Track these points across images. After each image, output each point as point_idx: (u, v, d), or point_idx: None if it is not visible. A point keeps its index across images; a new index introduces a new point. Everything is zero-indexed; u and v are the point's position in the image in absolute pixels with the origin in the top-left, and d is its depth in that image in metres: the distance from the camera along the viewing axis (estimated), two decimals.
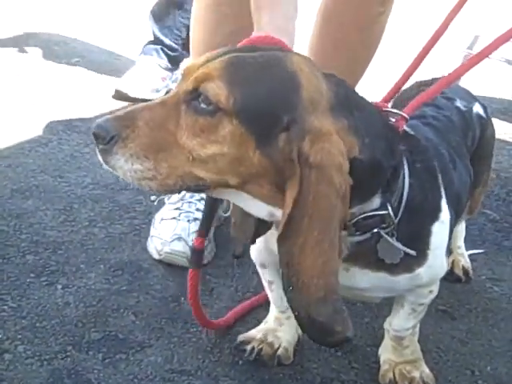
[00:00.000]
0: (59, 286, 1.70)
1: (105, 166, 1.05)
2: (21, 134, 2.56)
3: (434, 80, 1.86)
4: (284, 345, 1.54)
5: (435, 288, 1.39)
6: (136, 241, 1.94)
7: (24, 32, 4.00)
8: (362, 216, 1.13)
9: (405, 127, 1.26)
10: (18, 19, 4.22)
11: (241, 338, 1.56)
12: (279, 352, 1.52)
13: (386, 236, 1.16)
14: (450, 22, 1.38)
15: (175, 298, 1.71)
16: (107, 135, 1.00)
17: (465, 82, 4.47)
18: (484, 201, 2.04)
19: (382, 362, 1.52)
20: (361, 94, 1.17)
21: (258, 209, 1.09)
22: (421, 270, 1.24)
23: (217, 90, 0.99)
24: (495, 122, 1.83)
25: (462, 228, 2.00)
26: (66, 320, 1.57)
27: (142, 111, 1.03)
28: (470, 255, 2.02)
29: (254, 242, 1.26)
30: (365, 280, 1.25)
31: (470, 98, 1.72)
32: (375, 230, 1.15)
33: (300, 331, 1.57)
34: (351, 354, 1.58)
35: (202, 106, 1.00)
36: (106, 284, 1.73)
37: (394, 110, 1.23)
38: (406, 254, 1.20)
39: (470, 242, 2.09)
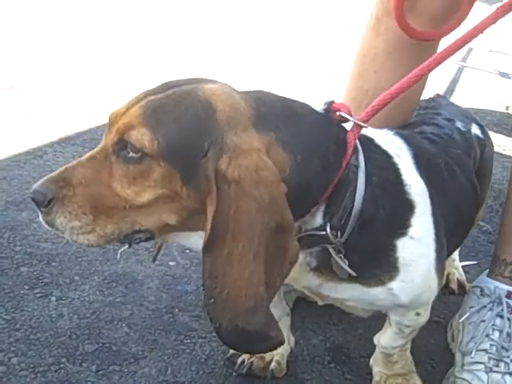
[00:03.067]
0: (53, 298, 1.70)
1: (47, 227, 1.07)
2: (16, 147, 2.57)
3: (436, 97, 1.89)
4: (276, 358, 1.53)
5: (423, 312, 1.35)
6: (130, 253, 1.94)
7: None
8: (307, 233, 1.14)
9: (372, 136, 1.25)
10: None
11: (232, 350, 1.56)
12: (272, 366, 1.52)
13: (332, 252, 1.15)
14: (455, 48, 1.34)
15: (169, 309, 1.72)
16: (45, 199, 1.03)
17: (459, 95, 4.51)
18: None
19: (373, 373, 1.52)
20: (303, 101, 1.17)
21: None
22: (394, 285, 1.21)
23: (140, 137, 1.01)
24: (489, 134, 1.84)
25: None
26: (59, 332, 1.57)
27: (75, 170, 1.05)
28: (463, 267, 2.03)
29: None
30: (342, 291, 1.24)
31: (468, 120, 1.72)
32: (322, 245, 1.16)
33: (292, 343, 1.57)
34: (344, 365, 1.59)
35: (131, 154, 1.02)
36: (100, 296, 1.74)
37: (349, 117, 1.17)
38: (374, 265, 1.19)
39: (463, 254, 2.10)
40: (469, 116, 1.77)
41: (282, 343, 1.07)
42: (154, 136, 1.00)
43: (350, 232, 1.15)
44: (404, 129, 1.51)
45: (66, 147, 2.67)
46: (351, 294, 1.25)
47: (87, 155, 1.07)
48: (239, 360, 1.53)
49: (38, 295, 1.70)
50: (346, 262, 1.16)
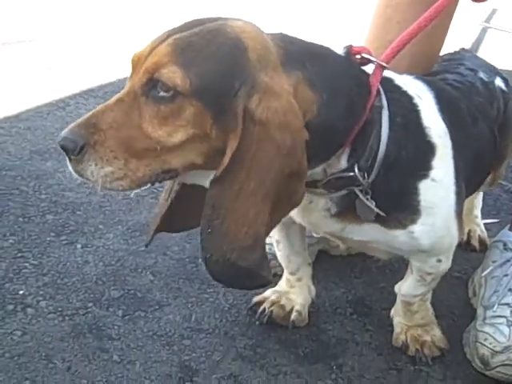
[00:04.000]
0: (79, 246, 1.72)
1: (76, 176, 1.04)
2: (39, 98, 2.59)
3: (461, 50, 1.87)
4: (297, 308, 1.55)
5: (445, 259, 1.35)
6: (153, 203, 1.96)
7: None
8: (334, 176, 1.14)
9: (392, 77, 1.25)
10: None
11: (255, 299, 1.58)
12: (293, 317, 1.54)
13: (360, 194, 1.16)
14: None
15: (192, 259, 1.74)
16: (76, 146, 0.99)
17: (482, 55, 4.45)
18: None
19: (394, 324, 1.54)
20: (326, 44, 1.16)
21: None
22: (415, 228, 1.22)
23: (172, 75, 0.99)
24: None
25: (479, 198, 2.00)
26: (86, 278, 1.60)
27: (104, 114, 1.01)
28: (485, 224, 2.03)
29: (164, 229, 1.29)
30: (362, 232, 1.25)
31: (492, 72, 1.70)
32: (349, 188, 1.16)
33: (313, 294, 1.59)
34: (366, 317, 1.60)
35: (161, 94, 1.00)
36: (124, 244, 1.76)
37: (371, 58, 1.18)
38: (396, 208, 1.20)
39: (484, 212, 2.10)
40: (493, 69, 1.75)
41: (269, 283, 1.09)
42: (186, 74, 0.98)
43: (377, 173, 1.15)
44: (426, 76, 1.50)
45: (88, 99, 2.68)
46: (373, 236, 1.26)
47: (114, 98, 1.04)
48: (260, 309, 1.55)
49: (64, 242, 1.72)
50: (373, 202, 1.17)
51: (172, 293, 1.60)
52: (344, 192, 1.18)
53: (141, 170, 1.02)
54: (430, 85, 1.34)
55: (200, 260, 1.73)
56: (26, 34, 3.40)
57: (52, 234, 1.74)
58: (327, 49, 1.15)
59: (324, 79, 1.08)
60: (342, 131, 1.11)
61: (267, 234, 1.06)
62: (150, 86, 1.01)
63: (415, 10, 1.59)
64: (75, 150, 0.99)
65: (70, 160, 1.02)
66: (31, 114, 2.44)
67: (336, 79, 1.11)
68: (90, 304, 1.51)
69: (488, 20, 5.94)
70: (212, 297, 1.61)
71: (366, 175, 1.15)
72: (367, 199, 1.17)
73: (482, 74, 1.64)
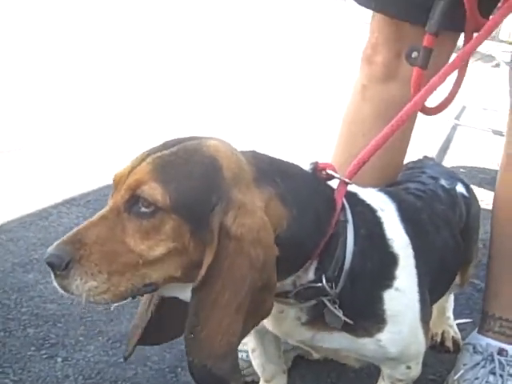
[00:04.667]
0: (59, 359, 1.74)
1: (61, 291, 1.07)
2: (22, 208, 2.64)
3: (423, 158, 1.97)
4: None
5: (414, 365, 1.39)
6: (133, 313, 1.98)
7: None
8: (303, 287, 1.20)
9: (355, 191, 1.32)
10: None
11: None
12: None
13: (328, 303, 1.21)
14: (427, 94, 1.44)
15: (172, 368, 1.76)
16: (63, 261, 1.03)
17: (453, 153, 4.62)
18: None
19: None
20: (293, 161, 1.24)
21: None
22: (382, 337, 1.27)
23: (153, 191, 1.05)
24: (482, 191, 1.91)
25: (451, 300, 2.06)
26: None
27: (88, 230, 1.06)
28: (458, 324, 2.07)
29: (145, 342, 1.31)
30: (332, 340, 1.29)
31: (453, 179, 1.79)
32: (318, 298, 1.21)
33: None
34: None
35: (143, 209, 1.06)
36: (104, 356, 1.78)
37: (334, 174, 1.26)
38: (363, 317, 1.24)
39: (457, 311, 2.15)
40: (454, 176, 1.84)
41: None
42: (166, 190, 1.05)
43: (343, 284, 1.21)
44: (388, 187, 1.59)
45: (70, 208, 2.74)
46: (342, 344, 1.30)
47: (97, 216, 1.09)
48: None
49: (45, 356, 1.75)
50: (341, 311, 1.22)
51: None
52: (313, 302, 1.23)
53: (123, 284, 1.06)
54: (392, 196, 1.41)
55: (179, 370, 1.76)
56: (8, 144, 3.50)
57: (33, 348, 1.77)
58: (295, 166, 1.24)
59: (294, 195, 1.15)
60: (309, 245, 1.17)
61: (239, 343, 1.10)
62: (132, 202, 1.07)
63: (380, 124, 1.70)
64: (61, 266, 1.03)
65: (56, 275, 1.05)
66: (14, 224, 2.49)
67: (304, 195, 1.18)
68: None
69: (458, 117, 6.17)
70: None
71: (333, 285, 1.20)
72: (335, 308, 1.22)
73: (443, 181, 1.72)
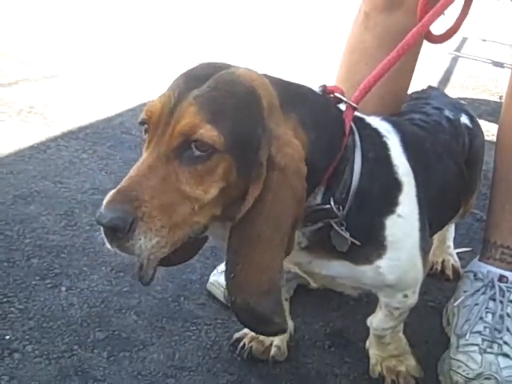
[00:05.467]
0: (63, 288, 1.76)
1: (121, 253, 1.02)
2: (20, 141, 2.63)
3: (428, 88, 1.95)
4: (275, 343, 1.59)
5: (411, 294, 1.41)
6: None
7: None
8: (311, 209, 1.19)
9: (363, 116, 1.31)
10: None
11: (236, 335, 1.64)
12: (272, 352, 1.58)
13: (335, 225, 1.21)
14: (429, 22, 1.41)
15: (175, 298, 1.78)
16: (126, 224, 0.97)
17: (453, 85, 4.58)
18: None
19: (370, 356, 1.59)
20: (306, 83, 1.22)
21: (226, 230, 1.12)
22: (381, 263, 1.27)
23: (210, 134, 1.00)
24: (483, 123, 1.90)
25: (451, 229, 2.07)
26: (71, 320, 1.64)
27: (141, 184, 1.00)
28: (458, 253, 2.10)
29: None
30: (329, 267, 1.29)
31: (457, 110, 1.78)
32: (325, 220, 1.21)
33: (291, 328, 1.64)
34: (344, 349, 1.66)
35: (197, 153, 1.01)
36: (108, 286, 1.80)
37: (342, 97, 1.25)
38: (363, 243, 1.24)
39: (457, 241, 2.17)
40: (458, 106, 1.83)
41: (283, 331, 1.13)
42: (219, 130, 1.01)
43: (350, 206, 1.21)
44: (392, 116, 1.58)
45: (68, 141, 2.73)
46: (339, 271, 1.31)
47: (143, 166, 1.02)
48: (240, 344, 1.60)
49: (49, 285, 1.76)
50: (347, 233, 1.22)
51: (156, 332, 1.64)
52: (319, 225, 1.22)
53: (179, 234, 1.03)
54: (396, 126, 1.40)
55: (182, 299, 1.78)
56: (5, 77, 3.45)
57: (37, 278, 1.78)
58: (308, 88, 1.22)
59: (311, 119, 1.14)
60: (322, 169, 1.16)
61: (281, 278, 1.09)
62: (184, 147, 1.02)
63: (382, 53, 1.68)
64: (125, 228, 0.97)
65: (114, 238, 0.99)
66: (13, 158, 2.48)
67: (320, 119, 1.17)
68: (76, 346, 1.55)
69: (458, 49, 6.09)
70: (195, 334, 1.65)
71: (340, 208, 1.20)
72: (341, 230, 1.22)
73: (447, 112, 1.71)
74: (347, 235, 1.22)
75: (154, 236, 0.99)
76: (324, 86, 1.26)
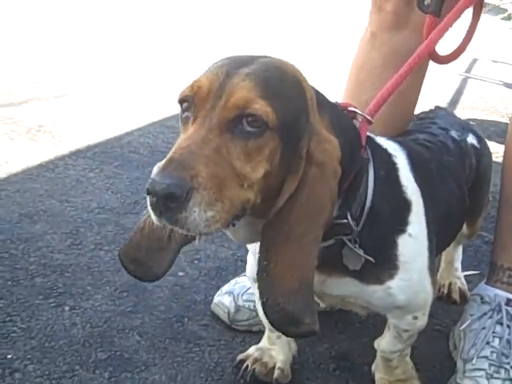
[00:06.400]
0: (67, 308, 1.75)
1: (169, 226, 0.97)
2: (28, 160, 2.64)
3: (435, 108, 1.94)
4: (279, 365, 1.57)
5: (421, 316, 1.39)
6: None
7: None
8: None
9: (372, 135, 1.31)
10: None
11: (239, 356, 1.62)
12: (275, 374, 1.56)
13: (348, 242, 1.19)
14: (436, 39, 1.41)
15: (179, 318, 1.77)
16: (183, 191, 0.92)
17: (463, 106, 4.57)
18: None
19: (376, 380, 1.57)
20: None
21: (255, 228, 1.10)
22: (392, 284, 1.26)
23: (265, 109, 0.98)
24: (492, 144, 1.88)
25: (459, 251, 2.05)
26: (73, 340, 1.63)
27: (195, 154, 0.96)
28: (465, 276, 2.07)
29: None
30: (340, 287, 1.28)
31: (464, 130, 1.77)
32: (338, 237, 1.19)
33: (294, 351, 1.62)
34: (349, 373, 1.63)
35: (249, 128, 0.99)
36: (111, 305, 1.79)
37: (359, 111, 1.25)
38: (374, 263, 1.22)
39: (465, 264, 2.14)
40: (465, 126, 1.82)
41: (313, 333, 1.07)
42: (273, 108, 0.99)
43: (363, 223, 1.19)
44: (398, 137, 1.57)
45: (76, 160, 2.73)
46: (350, 291, 1.29)
47: (195, 135, 0.98)
48: (243, 366, 1.58)
49: (52, 305, 1.75)
50: (361, 251, 1.20)
51: (158, 353, 1.63)
52: (331, 242, 1.20)
53: (231, 211, 0.99)
54: (402, 145, 1.40)
55: (186, 319, 1.76)
56: (15, 96, 3.48)
57: (40, 297, 1.77)
58: (330, 99, 1.21)
59: (339, 125, 1.13)
60: (345, 177, 1.13)
61: (313, 277, 1.06)
62: (237, 121, 0.99)
63: (389, 72, 1.67)
64: (182, 197, 0.92)
65: (167, 209, 0.94)
66: (21, 176, 2.49)
67: (344, 127, 1.16)
68: (77, 367, 1.54)
69: (469, 70, 6.09)
70: (198, 356, 1.64)
71: (355, 224, 1.18)
72: (355, 247, 1.20)
73: (453, 133, 1.70)
74: (361, 253, 1.21)
75: (210, 209, 0.95)
76: (337, 103, 1.26)
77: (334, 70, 4.91)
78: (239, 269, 1.99)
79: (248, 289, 1.77)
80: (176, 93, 1.09)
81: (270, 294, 1.04)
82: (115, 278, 1.92)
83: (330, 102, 1.17)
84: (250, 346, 1.65)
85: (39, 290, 1.80)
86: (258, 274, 1.06)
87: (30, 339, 1.61)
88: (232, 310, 1.74)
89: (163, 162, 0.96)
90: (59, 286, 1.84)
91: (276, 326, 1.09)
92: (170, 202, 0.92)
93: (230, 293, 1.79)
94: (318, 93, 1.13)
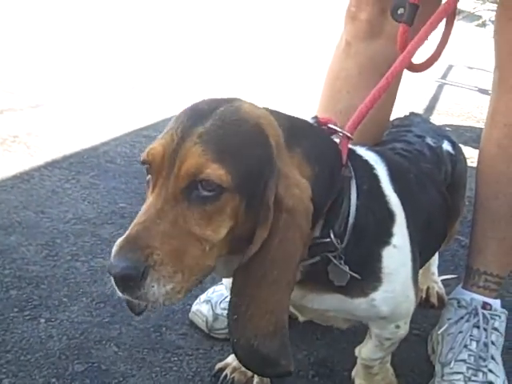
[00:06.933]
0: (42, 320, 1.73)
1: (134, 301, 1.02)
2: (2, 171, 2.61)
3: (410, 115, 1.95)
4: None
5: (403, 325, 1.39)
6: None
7: None
8: (310, 244, 1.16)
9: (353, 147, 1.31)
10: None
11: (218, 365, 1.61)
12: (254, 383, 1.55)
13: (333, 259, 1.19)
14: (412, 52, 1.42)
15: (156, 328, 1.76)
16: (138, 273, 0.95)
17: (439, 112, 4.60)
18: None
19: None
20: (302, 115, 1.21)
21: (231, 265, 1.10)
22: (376, 296, 1.26)
23: (217, 172, 0.98)
24: (468, 150, 1.90)
25: (435, 256, 2.06)
26: (49, 353, 1.61)
27: (150, 230, 0.97)
28: (443, 280, 2.08)
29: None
30: (322, 301, 1.28)
31: (439, 136, 1.78)
32: (323, 254, 1.19)
33: None
34: (328, 379, 1.63)
35: (205, 193, 0.99)
36: (88, 317, 1.77)
37: (338, 128, 1.25)
38: (361, 276, 1.22)
39: (442, 268, 2.15)
40: (440, 133, 1.83)
41: (289, 373, 1.08)
42: (226, 169, 0.98)
43: (348, 239, 1.19)
44: (375, 146, 1.57)
45: (52, 171, 2.71)
46: (332, 305, 1.29)
47: (151, 210, 0.99)
48: (222, 375, 1.57)
49: (28, 317, 1.73)
50: (347, 267, 1.20)
51: (136, 363, 1.61)
52: (316, 259, 1.19)
53: (193, 278, 1.01)
54: (381, 156, 1.40)
55: (164, 329, 1.75)
56: None
57: (15, 310, 1.75)
58: (306, 121, 1.21)
59: (314, 153, 1.12)
60: (323, 203, 1.14)
61: (287, 319, 1.07)
62: (191, 188, 0.99)
63: (364, 81, 1.69)
64: (138, 277, 0.95)
65: (126, 287, 0.97)
66: None
67: (321, 152, 1.15)
68: (53, 380, 1.52)
69: (444, 76, 6.14)
70: (176, 365, 1.63)
71: (339, 241, 1.18)
72: (340, 264, 1.20)
73: (429, 140, 1.71)
74: (347, 269, 1.21)
75: (168, 282, 0.97)
76: (317, 118, 1.25)
77: (309, 78, 4.93)
78: (217, 277, 1.98)
79: (225, 297, 1.76)
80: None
81: (242, 335, 1.05)
82: (92, 288, 1.90)
83: (304, 130, 1.15)
84: (229, 354, 1.64)
85: (14, 303, 1.78)
86: (228, 315, 1.06)
87: (5, 353, 1.58)
88: (210, 318, 1.73)
89: (121, 239, 0.98)
90: (34, 299, 1.82)
91: (249, 366, 1.10)
92: (127, 282, 0.96)
93: (207, 301, 1.79)
94: (287, 127, 1.10)
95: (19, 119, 3.30)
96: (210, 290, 1.84)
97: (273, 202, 1.02)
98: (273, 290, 1.03)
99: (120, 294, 0.99)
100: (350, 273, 1.21)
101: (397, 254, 1.27)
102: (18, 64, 4.52)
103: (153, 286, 0.96)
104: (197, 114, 1.05)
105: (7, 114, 3.35)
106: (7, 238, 2.11)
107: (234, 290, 1.06)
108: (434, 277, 2.04)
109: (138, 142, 3.20)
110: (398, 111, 1.88)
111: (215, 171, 0.98)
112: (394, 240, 1.27)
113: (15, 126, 3.17)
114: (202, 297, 1.82)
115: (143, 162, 1.05)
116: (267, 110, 1.13)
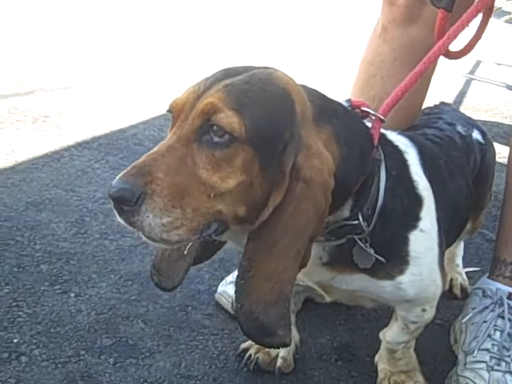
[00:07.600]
0: (72, 295, 1.77)
1: (129, 227, 0.99)
2: (34, 150, 2.65)
3: (440, 104, 1.95)
4: (281, 354, 1.59)
5: (429, 308, 1.40)
6: (145, 253, 2.01)
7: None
8: (337, 224, 1.18)
9: (384, 132, 1.31)
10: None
11: (243, 345, 1.63)
12: (278, 363, 1.58)
13: (359, 242, 1.20)
14: (452, 38, 1.41)
15: (183, 307, 1.79)
16: (133, 196, 0.95)
17: (466, 107, 4.58)
18: None
19: (378, 370, 1.58)
20: (337, 98, 1.22)
21: None
22: (403, 279, 1.27)
23: (230, 119, 0.98)
24: (495, 145, 1.90)
25: (460, 247, 2.07)
26: (78, 326, 1.64)
27: (157, 161, 0.98)
28: (467, 272, 2.09)
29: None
30: (351, 282, 1.29)
31: (469, 125, 1.78)
32: (350, 236, 1.20)
33: (297, 340, 1.64)
34: (351, 363, 1.65)
35: (216, 139, 1.00)
36: (116, 293, 1.81)
37: (371, 111, 1.25)
38: (387, 259, 1.23)
39: (467, 260, 2.16)
40: (470, 122, 1.83)
41: (285, 345, 1.08)
42: (242, 119, 0.99)
43: (375, 223, 1.20)
44: (407, 132, 1.58)
45: (82, 151, 2.75)
46: (361, 286, 1.30)
47: (164, 145, 1.01)
48: (246, 355, 1.60)
49: (58, 291, 1.77)
50: (372, 250, 1.21)
51: (163, 340, 1.65)
52: (343, 240, 1.21)
53: (196, 219, 1.00)
54: (413, 140, 1.41)
55: (190, 308, 1.78)
56: (22, 87, 3.49)
57: (46, 284, 1.79)
58: (340, 103, 1.21)
59: (345, 133, 1.13)
60: (353, 183, 1.15)
61: (292, 291, 1.08)
62: (204, 131, 1.00)
63: (399, 66, 1.69)
64: (132, 201, 0.95)
65: (122, 211, 0.97)
66: (27, 165, 2.50)
67: (352, 133, 1.16)
68: (83, 352, 1.55)
69: (472, 72, 6.10)
70: (201, 344, 1.65)
71: (366, 224, 1.19)
72: (366, 246, 1.21)
73: (459, 128, 1.72)
74: (372, 252, 1.22)
75: (165, 215, 0.97)
76: (350, 101, 1.26)
77: (343, 63, 4.92)
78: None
79: None
80: (181, 86, 1.10)
81: (246, 301, 1.05)
82: (120, 266, 1.93)
83: (336, 110, 1.16)
84: None
85: (45, 277, 1.82)
86: (236, 280, 1.07)
87: (35, 324, 1.62)
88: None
89: (127, 168, 1.00)
90: (65, 274, 1.86)
91: (248, 333, 1.10)
92: (122, 204, 0.96)
93: (233, 283, 1.81)
94: (320, 104, 1.11)
95: (50, 100, 3.35)
96: (236, 272, 1.86)
97: (291, 170, 1.02)
98: (281, 258, 1.04)
99: (118, 217, 0.99)
100: (375, 255, 1.22)
101: (424, 237, 1.28)
102: (49, 46, 4.57)
103: (148, 216, 0.96)
104: (230, 71, 1.08)
105: (38, 94, 3.41)
106: (38, 214, 2.15)
107: (245, 255, 1.06)
108: (459, 268, 2.05)
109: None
110: (426, 104, 1.89)
111: (228, 118, 0.99)
112: (421, 224, 1.27)
113: (46, 107, 3.22)
114: (228, 278, 1.85)
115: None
116: (302, 85, 1.14)
